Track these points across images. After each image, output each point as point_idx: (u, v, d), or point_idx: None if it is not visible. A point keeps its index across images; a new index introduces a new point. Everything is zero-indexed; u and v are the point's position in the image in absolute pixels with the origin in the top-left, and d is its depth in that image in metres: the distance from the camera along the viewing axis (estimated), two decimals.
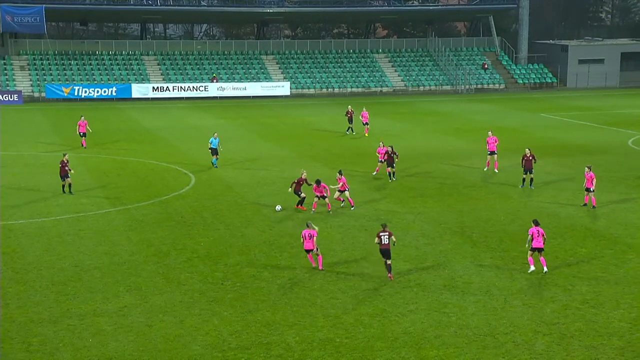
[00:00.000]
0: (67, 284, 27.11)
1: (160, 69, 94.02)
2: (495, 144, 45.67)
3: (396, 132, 62.88)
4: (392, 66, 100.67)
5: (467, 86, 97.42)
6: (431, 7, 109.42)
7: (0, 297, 25.69)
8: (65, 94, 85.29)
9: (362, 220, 35.38)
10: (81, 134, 54.85)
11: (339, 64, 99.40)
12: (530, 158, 40.74)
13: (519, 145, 54.17)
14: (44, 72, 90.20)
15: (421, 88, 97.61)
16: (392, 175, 43.35)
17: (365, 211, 37.02)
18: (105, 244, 31.80)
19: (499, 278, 27.45)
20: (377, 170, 44.75)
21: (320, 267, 28.47)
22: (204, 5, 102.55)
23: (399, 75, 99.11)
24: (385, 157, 43.59)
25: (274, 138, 60.37)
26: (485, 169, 45.85)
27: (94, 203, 38.84)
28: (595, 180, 37.07)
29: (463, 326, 23.28)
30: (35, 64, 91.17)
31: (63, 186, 40.25)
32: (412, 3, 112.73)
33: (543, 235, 27.66)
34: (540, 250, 27.70)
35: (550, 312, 24.32)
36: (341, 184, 37.17)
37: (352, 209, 36.86)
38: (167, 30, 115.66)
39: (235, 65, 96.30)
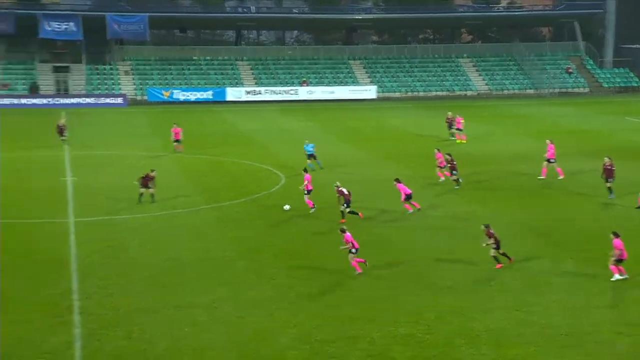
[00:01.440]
0: (164, 276, 28.33)
1: (253, 74, 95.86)
2: (552, 152, 44.64)
3: (479, 134, 62.47)
4: (477, 70, 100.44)
5: (551, 90, 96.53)
6: (516, 13, 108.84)
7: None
8: (165, 97, 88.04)
9: (444, 220, 35.94)
10: (175, 140, 55.27)
11: (424, 69, 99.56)
12: (610, 167, 39.44)
13: (601, 147, 53.58)
14: (146, 76, 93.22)
15: (505, 92, 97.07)
16: (456, 181, 42.59)
17: (445, 212, 37.43)
18: (199, 240, 32.99)
19: (580, 278, 27.65)
20: (447, 175, 43.35)
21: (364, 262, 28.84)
22: (295, 13, 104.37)
23: (483, 79, 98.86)
24: (444, 163, 43.23)
25: (359, 140, 60.56)
26: (539, 178, 44.44)
27: (189, 201, 40.09)
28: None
29: (544, 325, 23.45)
30: (138, 69, 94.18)
31: (141, 194, 39.26)
32: (497, 9, 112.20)
33: None
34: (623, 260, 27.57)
35: (633, 314, 24.35)
36: (306, 182, 37.49)
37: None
38: (260, 37, 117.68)
39: (324, 70, 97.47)
